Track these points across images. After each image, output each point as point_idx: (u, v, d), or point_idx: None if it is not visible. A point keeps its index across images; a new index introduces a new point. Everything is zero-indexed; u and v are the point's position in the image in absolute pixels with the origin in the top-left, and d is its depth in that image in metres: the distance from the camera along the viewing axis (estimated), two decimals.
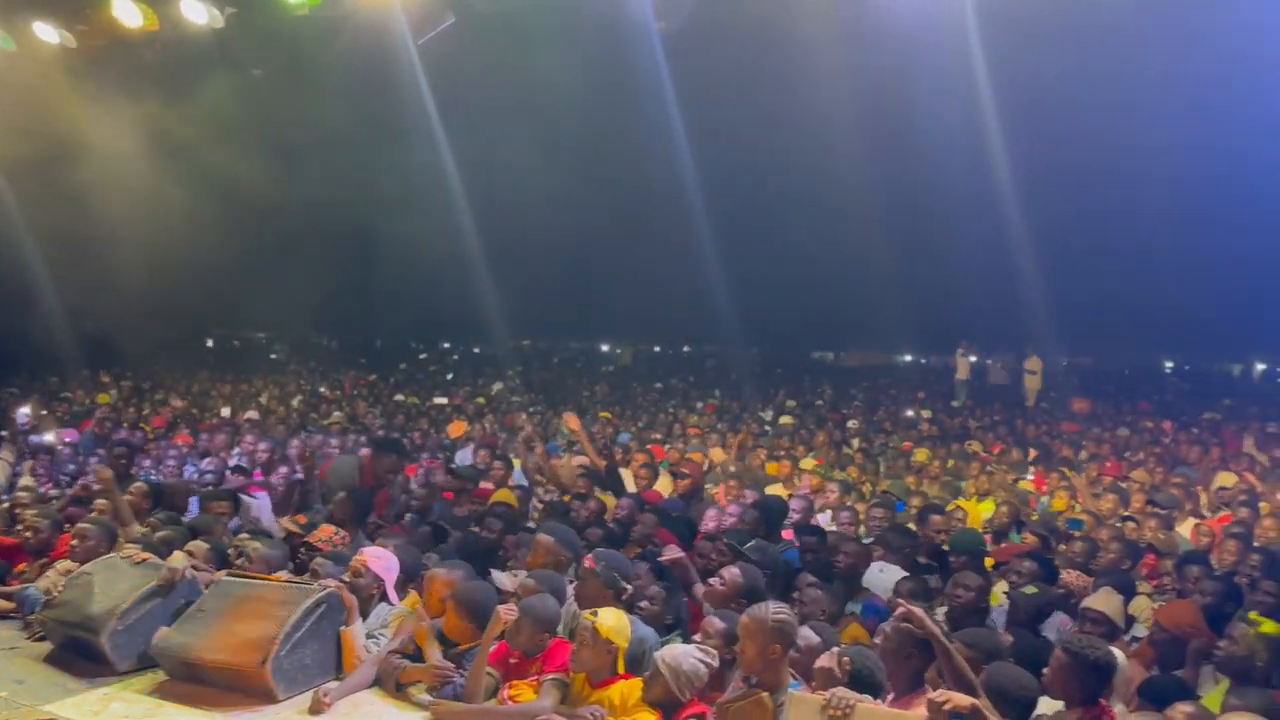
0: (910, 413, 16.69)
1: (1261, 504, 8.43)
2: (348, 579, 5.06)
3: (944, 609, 5.37)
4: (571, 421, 9.96)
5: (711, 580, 5.12)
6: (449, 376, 23.37)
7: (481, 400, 17.86)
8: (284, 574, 5.42)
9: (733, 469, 9.87)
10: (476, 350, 32.25)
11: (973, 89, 15.39)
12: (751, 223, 23.46)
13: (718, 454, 11.66)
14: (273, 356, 28.70)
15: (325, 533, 5.99)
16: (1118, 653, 4.41)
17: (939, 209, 19.77)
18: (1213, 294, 25.04)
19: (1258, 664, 4.32)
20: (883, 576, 6.02)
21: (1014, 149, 16.96)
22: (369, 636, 4.97)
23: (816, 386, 22.16)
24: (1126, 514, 7.82)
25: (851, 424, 15.97)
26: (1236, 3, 14.48)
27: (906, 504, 8.84)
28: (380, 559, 5.25)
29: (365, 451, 8.98)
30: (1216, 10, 14.31)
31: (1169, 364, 34.43)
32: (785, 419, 15.83)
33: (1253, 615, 4.57)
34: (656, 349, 38.28)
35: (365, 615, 5.05)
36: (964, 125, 16.45)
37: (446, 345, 33.77)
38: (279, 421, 13.92)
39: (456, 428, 13.04)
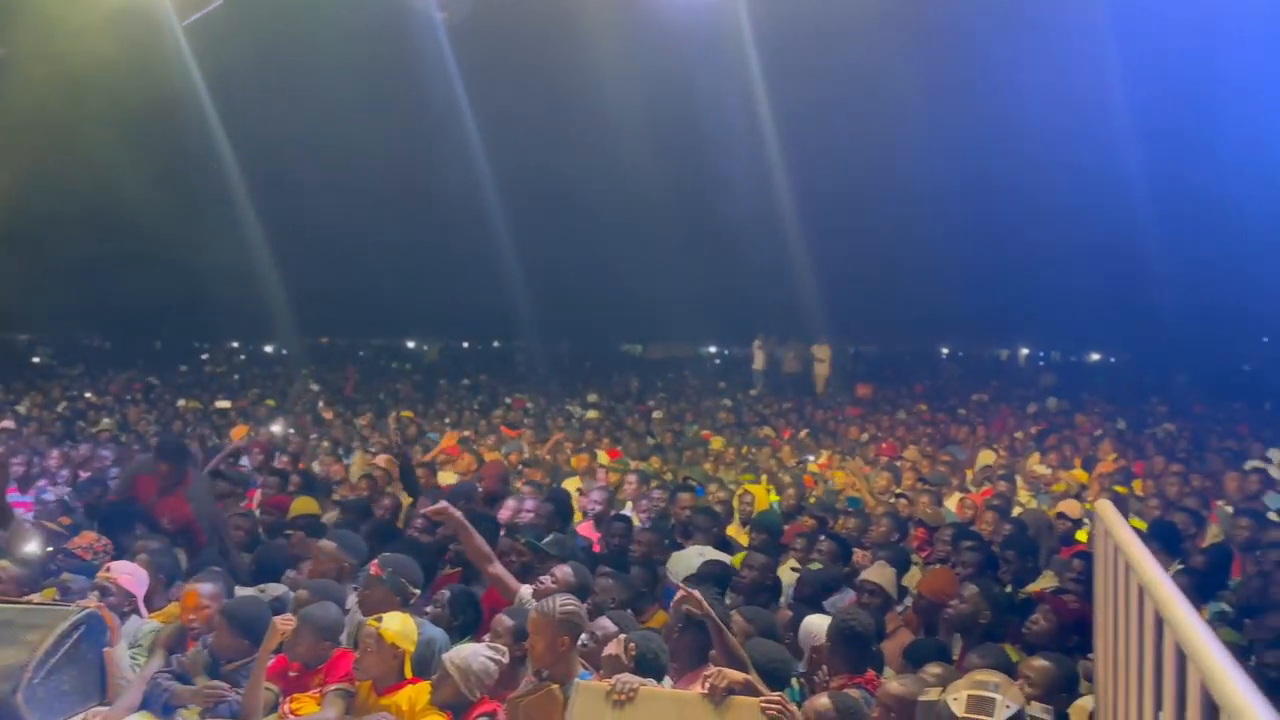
0: (709, 402, 17.26)
1: (1017, 476, 9.28)
2: (95, 597, 4.69)
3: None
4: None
5: (542, 579, 5.09)
6: (235, 378, 22.08)
7: (272, 403, 16.98)
8: (39, 595, 4.96)
9: (526, 458, 9.89)
10: (267, 349, 30.64)
11: (753, 85, 16.14)
12: (556, 217, 23.54)
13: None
14: (35, 360, 26.12)
15: (85, 539, 5.52)
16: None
17: (728, 204, 20.52)
18: (980, 286, 27.33)
19: (981, 621, 4.75)
20: (698, 560, 6.18)
21: (794, 147, 17.90)
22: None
23: (625, 379, 22.53)
24: (899, 491, 8.42)
25: (656, 415, 16.35)
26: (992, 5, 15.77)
27: (706, 490, 9.13)
28: (129, 573, 4.90)
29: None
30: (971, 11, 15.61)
31: (945, 350, 37.30)
32: (591, 412, 16.00)
33: (990, 585, 5.00)
34: (465, 345, 37.70)
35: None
36: (747, 121, 17.19)
37: (234, 345, 31.88)
38: (40, 430, 12.75)
39: (238, 432, 12.39)
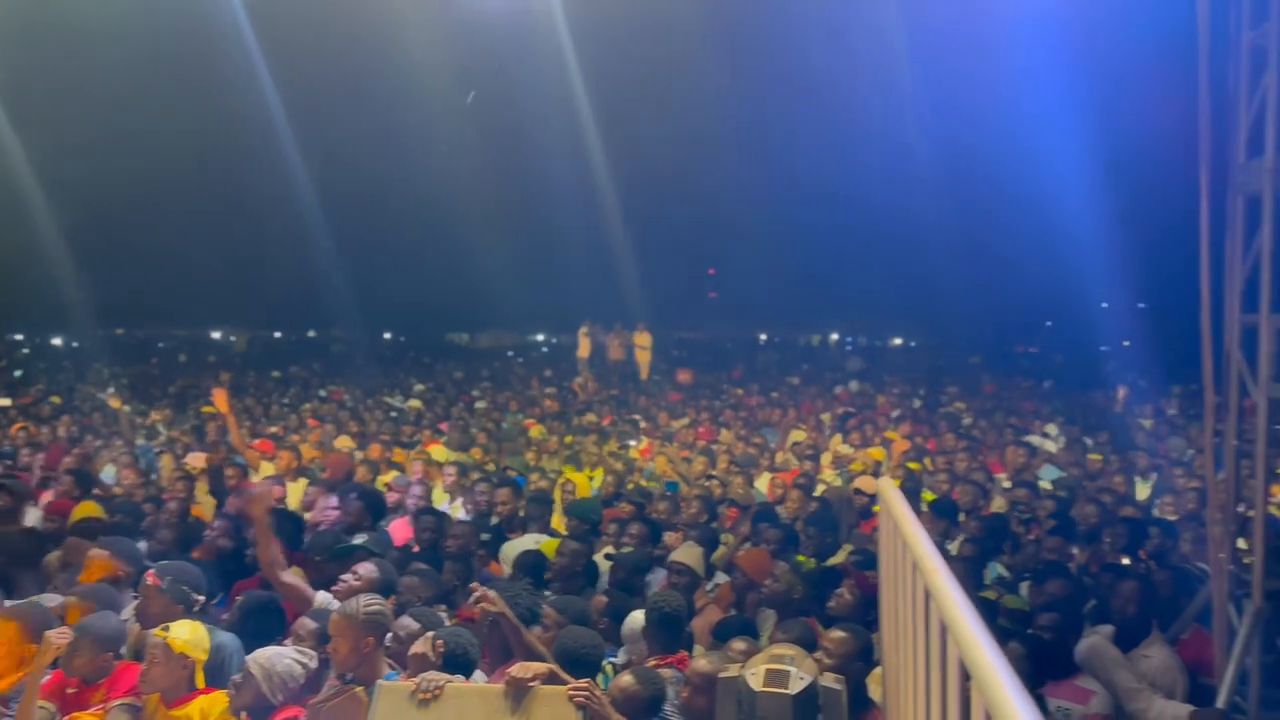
0: (534, 391, 17.21)
1: (822, 455, 9.75)
2: None
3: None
4: (219, 399, 8.85)
5: (344, 578, 4.88)
6: (17, 374, 20.16)
7: (57, 400, 15.62)
8: None
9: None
10: (56, 342, 28.18)
11: (572, 79, 16.36)
12: (377, 206, 22.88)
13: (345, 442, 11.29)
14: None
15: None
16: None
17: (553, 194, 20.59)
18: (795, 275, 28.58)
19: (795, 597, 4.97)
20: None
21: (614, 139, 18.19)
22: None
23: (449, 369, 22.12)
24: (712, 474, 8.68)
25: (480, 404, 16.14)
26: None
27: (527, 479, 9.09)
28: None
29: None
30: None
31: (763, 336, 38.79)
32: (412, 403, 15.62)
33: (800, 558, 5.25)
34: (277, 335, 35.96)
35: None
36: (569, 114, 17.37)
37: (18, 337, 29.15)
38: None
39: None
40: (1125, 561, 5.77)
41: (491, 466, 10.37)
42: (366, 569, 4.77)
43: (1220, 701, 4.28)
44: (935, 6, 16.55)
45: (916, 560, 2.56)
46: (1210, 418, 4.78)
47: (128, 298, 24.68)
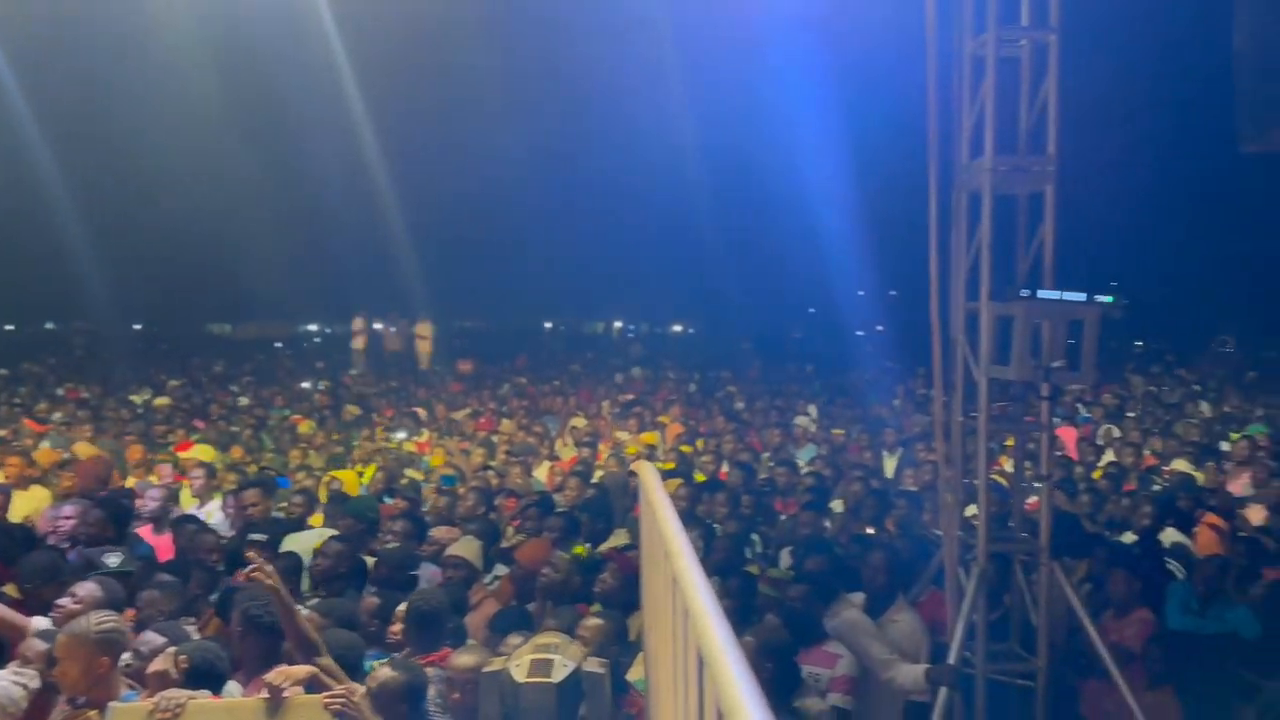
0: (306, 384, 16.37)
1: (600, 444, 9.89)
2: None
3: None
4: None
5: (60, 601, 4.40)
6: None
7: None
8: None
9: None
10: None
11: (340, 68, 15.92)
12: (127, 184, 20.97)
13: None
14: None
15: None
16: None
17: (324, 181, 19.74)
18: (578, 264, 28.80)
19: (573, 586, 5.01)
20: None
21: (385, 127, 17.72)
22: None
23: (209, 362, 20.61)
24: (489, 465, 8.58)
25: (242, 400, 15.17)
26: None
27: (291, 479, 8.64)
28: None
29: None
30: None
31: (548, 324, 38.87)
32: (159, 400, 14.42)
33: (577, 547, 5.28)
34: (8, 328, 32.25)
35: None
36: (337, 102, 16.83)
37: None
38: None
39: None
40: (871, 531, 6.21)
41: (254, 467, 9.77)
42: (86, 589, 4.35)
43: (951, 657, 4.68)
44: (700, 9, 17.23)
45: (665, 544, 2.62)
46: (939, 396, 5.22)
47: None
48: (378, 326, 21.70)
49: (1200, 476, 8.40)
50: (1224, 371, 16.89)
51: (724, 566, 5.64)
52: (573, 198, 24.49)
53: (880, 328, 24.77)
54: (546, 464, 9.15)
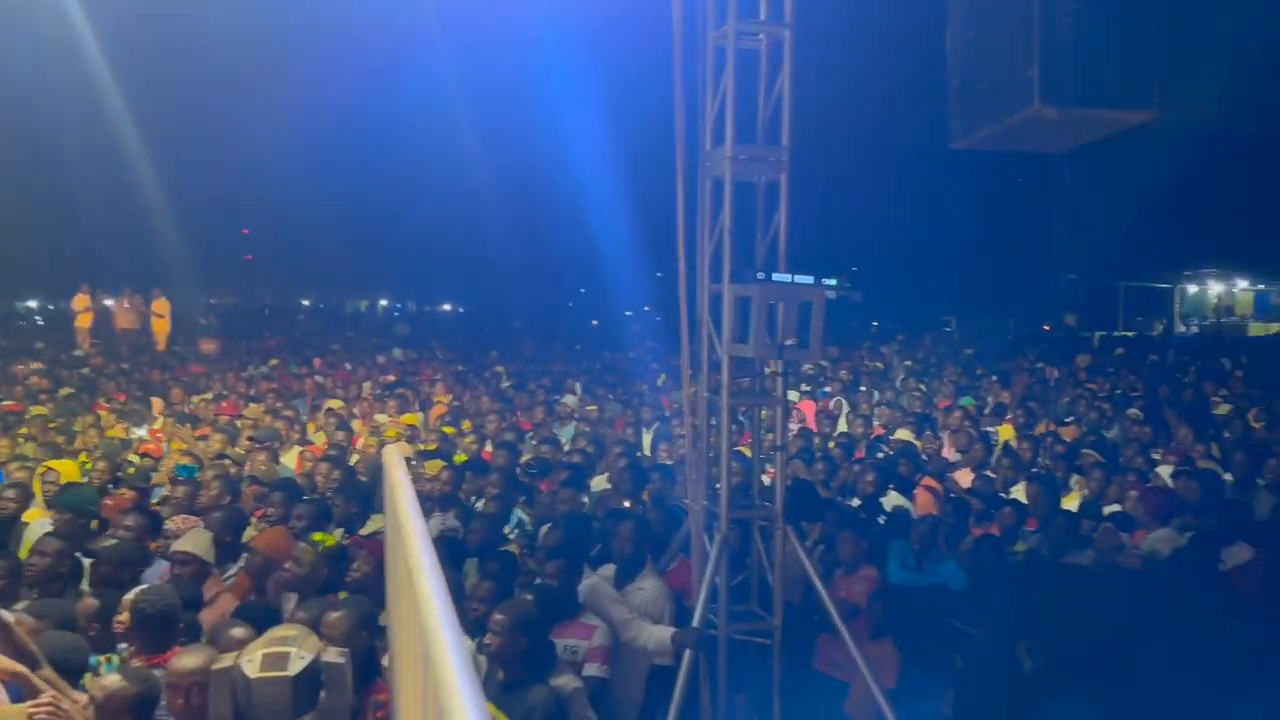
0: (20, 366, 14.65)
1: (355, 424, 9.54)
2: None
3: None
4: None
5: None
6: None
7: None
8: None
9: None
10: None
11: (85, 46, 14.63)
12: None
13: None
14: None
15: None
16: None
17: (45, 134, 17.76)
18: (339, 238, 27.62)
19: (318, 577, 4.81)
20: None
21: (131, 94, 16.37)
22: None
23: None
24: (226, 452, 8.04)
25: None
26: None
27: (5, 472, 7.74)
28: None
29: None
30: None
31: (306, 302, 36.98)
32: None
33: (316, 536, 5.06)
34: None
35: None
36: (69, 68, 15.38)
37: None
38: None
39: None
40: (627, 504, 6.40)
41: None
42: None
43: (695, 619, 4.92)
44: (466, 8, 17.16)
45: (401, 530, 2.58)
46: (687, 373, 5.44)
47: None
48: (109, 303, 19.73)
49: (920, 445, 9.27)
50: (944, 349, 18.72)
51: (482, 547, 5.64)
52: (336, 172, 23.44)
53: (647, 308, 25.52)
54: (296, 449, 8.72)
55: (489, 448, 8.54)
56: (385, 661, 4.01)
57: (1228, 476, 7.76)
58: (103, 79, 16.98)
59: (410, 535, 2.41)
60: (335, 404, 10.89)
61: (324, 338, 20.90)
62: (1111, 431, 9.97)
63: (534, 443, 8.88)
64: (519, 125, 20.98)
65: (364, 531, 5.95)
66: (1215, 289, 32.65)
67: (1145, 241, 22.57)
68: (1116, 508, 6.99)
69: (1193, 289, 32.87)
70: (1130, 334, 25.77)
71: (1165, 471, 7.98)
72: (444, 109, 20.38)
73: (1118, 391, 12.60)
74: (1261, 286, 32.26)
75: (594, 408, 10.38)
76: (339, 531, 5.70)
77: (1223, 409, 10.92)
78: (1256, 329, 28.17)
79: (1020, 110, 4.11)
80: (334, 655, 3.44)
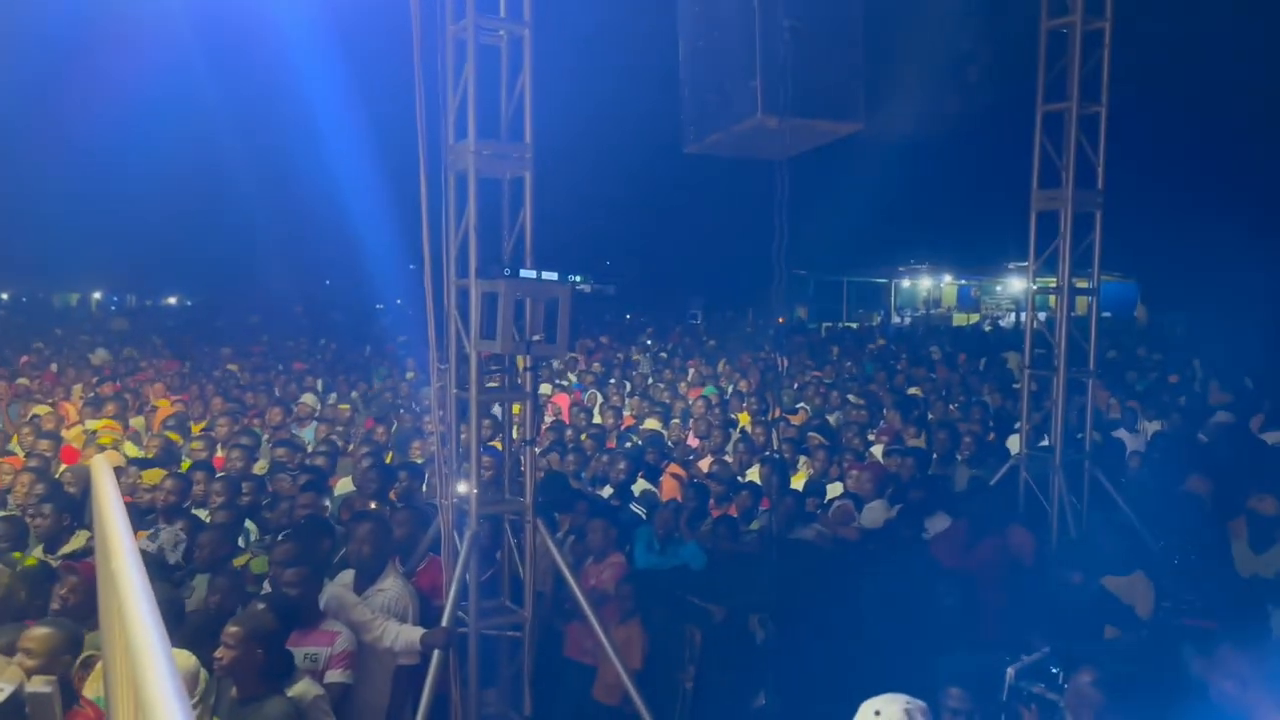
0: None
1: (65, 431, 8.62)
2: None
3: None
4: None
5: None
6: None
7: None
8: None
9: None
10: None
11: None
12: None
13: None
14: None
15: None
16: None
17: None
18: (49, 225, 24.92)
19: (17, 602, 4.31)
20: None
21: None
22: None
23: None
24: None
25: None
26: None
27: None
28: None
29: None
30: None
31: (5, 295, 33.06)
32: None
33: (17, 555, 4.55)
34: None
35: None
36: None
37: None
38: None
39: None
40: (373, 505, 6.21)
41: None
42: None
43: (445, 618, 4.87)
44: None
45: (106, 541, 2.39)
46: (435, 368, 5.35)
47: None
48: None
49: (666, 433, 9.67)
50: (690, 340, 19.60)
51: (212, 561, 5.28)
52: (42, 151, 21.05)
53: (399, 301, 24.81)
54: None
55: (220, 453, 7.99)
56: (86, 690, 3.68)
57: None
58: None
59: (117, 548, 2.24)
60: (40, 409, 9.74)
61: (27, 334, 18.67)
62: (834, 416, 10.86)
63: (270, 444, 8.41)
64: (264, 113, 19.81)
65: (66, 549, 5.39)
66: (925, 284, 36.32)
67: (865, 240, 24.77)
68: (839, 485, 7.64)
69: (906, 284, 36.39)
70: (854, 325, 28.18)
71: (878, 450, 8.81)
72: (181, 90, 18.90)
73: (842, 378, 13.75)
74: (963, 281, 36.29)
75: (345, 407, 9.97)
76: (39, 549, 5.13)
77: (924, 392, 12.20)
78: (959, 319, 31.74)
79: (745, 119, 4.39)
80: (40, 684, 3.14)
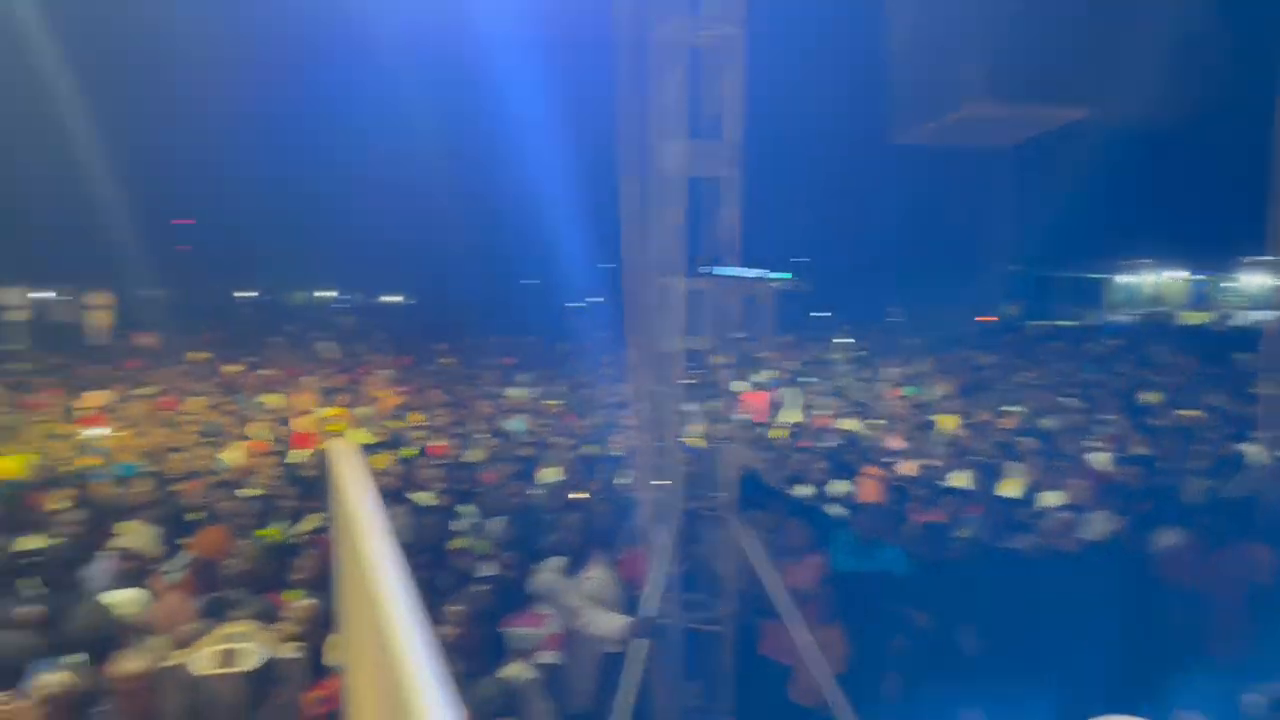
0: None
1: (296, 420, 9.40)
2: None
3: None
4: None
5: None
6: None
7: None
8: None
9: None
10: None
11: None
12: None
13: None
14: None
15: None
16: None
17: None
18: (281, 229, 27.09)
19: (264, 573, 4.74)
20: None
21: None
22: None
23: None
24: (174, 446, 7.88)
25: None
26: None
27: None
28: None
29: None
30: None
31: (249, 294, 36.11)
32: None
33: (261, 531, 4.99)
34: None
35: None
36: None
37: None
38: None
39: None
40: (578, 496, 6.41)
41: None
42: None
43: (648, 608, 4.95)
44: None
45: (352, 524, 2.56)
46: (634, 365, 5.44)
47: None
48: (43, 296, 19.12)
49: (864, 433, 9.42)
50: (888, 340, 19.01)
51: (433, 541, 5.62)
52: (280, 164, 23.00)
53: (599, 299, 25.41)
54: (240, 444, 8.56)
55: (437, 441, 8.48)
56: (331, 659, 3.98)
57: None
58: (41, 70, 16.39)
59: (366, 529, 2.39)
60: (276, 398, 10.69)
61: (264, 331, 20.53)
62: (1048, 420, 10.23)
63: (483, 434, 8.84)
64: (469, 117, 20.80)
65: (305, 528, 5.87)
66: (1149, 279, 33.59)
67: (1082, 233, 23.13)
68: (1055, 494, 7.18)
69: (1127, 279, 33.79)
70: (1069, 323, 26.41)
71: (1102, 458, 8.22)
72: (393, 100, 20.13)
73: (1056, 380, 12.93)
74: (1194, 276, 33.27)
75: (553, 403, 10.36)
76: (283, 526, 5.62)
77: (1152, 396, 11.27)
78: (1190, 317, 29.06)
79: (963, 106, 4.21)
80: (289, 650, 3.43)
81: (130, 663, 3.38)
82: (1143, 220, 24.43)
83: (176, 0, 16.00)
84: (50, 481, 7.00)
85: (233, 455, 7.90)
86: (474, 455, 8.22)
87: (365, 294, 38.98)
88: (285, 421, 8.81)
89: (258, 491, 6.38)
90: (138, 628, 4.28)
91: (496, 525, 5.88)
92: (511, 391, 11.70)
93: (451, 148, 22.35)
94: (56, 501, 6.27)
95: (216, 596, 4.98)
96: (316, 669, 3.72)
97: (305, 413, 9.97)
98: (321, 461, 7.43)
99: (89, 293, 17.94)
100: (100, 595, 4.27)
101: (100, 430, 9.38)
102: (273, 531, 5.00)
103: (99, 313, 17.59)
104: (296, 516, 5.89)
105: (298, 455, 7.74)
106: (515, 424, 9.65)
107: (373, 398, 11.16)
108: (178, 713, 3.35)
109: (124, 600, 4.27)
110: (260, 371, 13.40)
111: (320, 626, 3.95)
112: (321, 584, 4.59)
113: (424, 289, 34.45)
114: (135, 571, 4.96)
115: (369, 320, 24.85)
